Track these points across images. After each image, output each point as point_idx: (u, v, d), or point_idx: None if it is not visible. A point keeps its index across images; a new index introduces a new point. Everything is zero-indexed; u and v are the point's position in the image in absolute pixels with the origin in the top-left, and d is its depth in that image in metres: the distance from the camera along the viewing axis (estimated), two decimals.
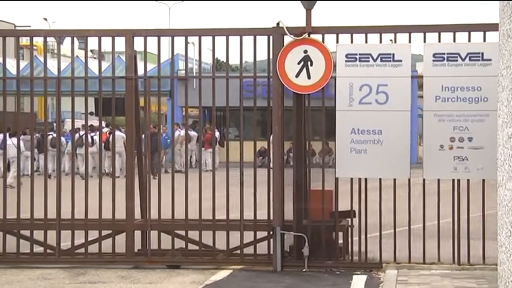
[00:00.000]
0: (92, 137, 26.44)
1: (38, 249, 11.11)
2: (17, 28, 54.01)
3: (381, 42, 10.45)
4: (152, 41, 10.90)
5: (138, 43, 10.87)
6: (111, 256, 10.89)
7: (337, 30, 10.57)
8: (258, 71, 11.01)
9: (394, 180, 10.44)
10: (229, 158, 10.94)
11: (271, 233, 10.58)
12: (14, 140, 25.20)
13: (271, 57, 10.66)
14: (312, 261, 10.44)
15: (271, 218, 10.61)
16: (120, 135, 17.88)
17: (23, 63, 13.01)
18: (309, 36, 10.47)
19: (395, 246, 10.40)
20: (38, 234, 11.04)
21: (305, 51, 10.43)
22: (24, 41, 30.50)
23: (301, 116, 10.58)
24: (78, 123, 26.87)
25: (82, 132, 27.55)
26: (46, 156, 11.37)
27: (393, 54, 10.27)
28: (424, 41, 10.34)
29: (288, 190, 10.56)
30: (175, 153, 13.83)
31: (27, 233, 11.06)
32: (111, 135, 12.09)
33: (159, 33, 11.02)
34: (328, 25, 10.73)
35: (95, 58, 38.26)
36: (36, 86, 11.16)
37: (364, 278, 9.89)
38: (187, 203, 10.69)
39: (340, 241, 10.71)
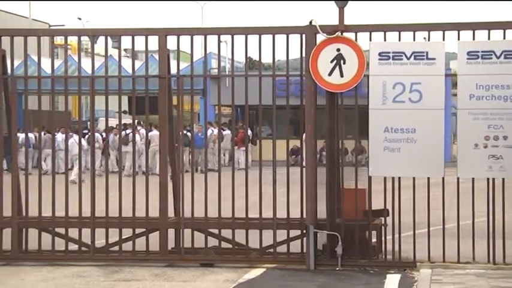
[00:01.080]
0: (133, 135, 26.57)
1: (72, 246, 11.20)
2: (51, 28, 54.41)
3: (414, 40, 10.39)
4: (185, 39, 10.94)
5: (171, 42, 10.93)
6: (144, 254, 10.95)
7: (370, 29, 10.52)
8: (291, 70, 10.99)
9: (428, 179, 10.37)
10: (261, 156, 10.94)
11: (304, 231, 10.57)
12: (76, 137, 25.62)
13: (303, 55, 10.64)
14: (345, 260, 10.41)
15: (304, 216, 10.59)
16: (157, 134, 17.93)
17: (57, 63, 13.11)
18: (341, 34, 10.43)
19: (429, 245, 10.34)
20: (73, 232, 11.13)
21: (338, 50, 10.40)
22: (59, 40, 30.83)
23: (334, 115, 10.54)
24: (112, 121, 27.10)
25: (128, 131, 27.74)
26: (80, 155, 11.42)
27: (427, 53, 10.20)
28: (458, 39, 10.27)
29: (320, 189, 10.54)
30: (208, 152, 13.82)
31: (62, 230, 11.15)
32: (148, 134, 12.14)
33: (191, 32, 11.04)
34: (361, 23, 10.69)
35: (128, 57, 38.47)
36: (70, 85, 11.25)
37: (398, 277, 9.84)
38: (220, 202, 10.71)
39: (374, 240, 10.66)
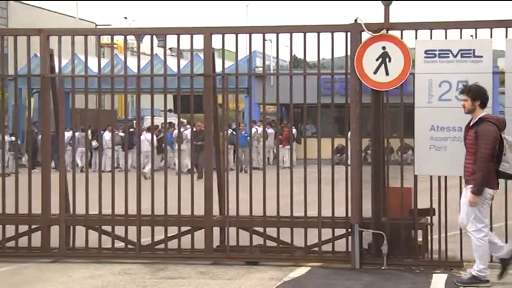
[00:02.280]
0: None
1: (118, 244, 11.29)
2: (97, 27, 54.96)
3: (461, 37, 10.28)
4: (230, 38, 10.96)
5: (216, 41, 10.95)
6: (190, 252, 11.00)
7: (416, 26, 10.44)
8: (336, 68, 10.95)
9: None
10: (306, 155, 10.92)
11: (349, 230, 10.53)
12: (148, 135, 25.97)
13: (349, 53, 10.60)
14: (391, 259, 10.34)
15: (349, 215, 10.55)
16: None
17: (103, 62, 13.22)
18: (387, 32, 10.37)
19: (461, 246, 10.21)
20: (119, 230, 11.21)
21: (383, 48, 10.33)
22: (105, 39, 31.07)
23: (379, 113, 10.48)
24: (157, 120, 27.28)
25: (182, 129, 27.93)
26: (126, 153, 11.51)
27: (474, 50, 10.08)
28: (506, 37, 10.13)
29: (365, 187, 10.49)
30: (253, 150, 13.88)
31: (108, 228, 11.25)
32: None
33: (236, 30, 11.06)
34: (406, 21, 10.61)
35: (173, 56, 38.64)
36: (116, 84, 11.34)
37: (444, 276, 9.75)
38: (265, 200, 10.71)
39: (420, 239, 10.58)
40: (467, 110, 9.16)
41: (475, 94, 9.09)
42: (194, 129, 11.81)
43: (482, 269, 9.06)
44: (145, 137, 26.02)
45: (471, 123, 9.12)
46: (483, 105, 9.14)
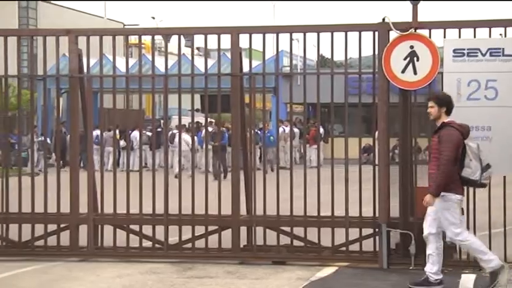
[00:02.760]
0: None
1: (146, 243, 11.32)
2: (125, 27, 55.23)
3: (490, 36, 10.19)
4: (257, 38, 10.95)
5: (243, 40, 10.95)
6: (217, 251, 11.00)
7: (444, 25, 10.36)
8: (363, 67, 10.90)
9: (504, 177, 10.16)
10: (333, 154, 10.88)
11: (376, 230, 10.48)
12: (186, 136, 26.11)
13: (376, 53, 10.54)
14: (419, 259, 10.25)
15: (377, 215, 10.50)
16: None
17: (131, 61, 13.27)
18: (415, 31, 10.31)
19: (505, 245, 10.13)
20: (147, 229, 11.25)
21: (411, 47, 10.27)
22: (133, 39, 31.13)
23: (407, 112, 10.42)
24: (184, 119, 27.30)
25: (211, 129, 27.95)
26: (154, 153, 11.54)
27: (503, 49, 9.99)
28: None
29: (393, 187, 10.43)
30: (280, 150, 13.87)
31: (136, 227, 11.28)
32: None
33: (264, 30, 11.05)
34: (434, 20, 10.54)
35: (201, 55, 38.68)
36: (144, 84, 11.37)
37: (473, 277, 9.67)
38: (292, 199, 10.69)
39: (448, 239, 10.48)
40: (433, 116, 9.22)
41: (442, 101, 9.15)
42: (211, 130, 11.80)
43: (490, 259, 8.95)
44: (184, 137, 26.05)
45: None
46: (448, 112, 9.16)
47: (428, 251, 9.07)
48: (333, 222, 10.80)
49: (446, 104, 9.14)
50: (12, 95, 19.03)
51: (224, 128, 24.73)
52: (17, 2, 53.01)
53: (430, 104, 9.21)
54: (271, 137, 29.21)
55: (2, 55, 11.21)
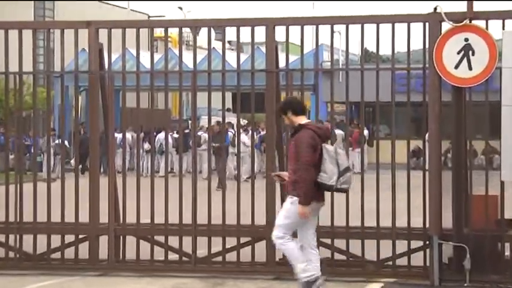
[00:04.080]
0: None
1: (172, 256, 11.35)
2: (150, 19, 55.51)
3: None
4: (295, 30, 10.95)
5: (280, 33, 10.94)
6: (250, 265, 11.00)
7: (503, 15, 10.28)
8: (412, 62, 10.86)
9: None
10: (379, 158, 10.84)
11: (427, 242, 10.42)
12: (245, 137, 26.28)
13: (427, 46, 10.49)
14: (474, 275, 10.18)
15: (427, 226, 10.44)
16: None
17: (157, 56, 13.32)
18: (470, 22, 10.23)
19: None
20: (173, 241, 11.27)
21: (466, 40, 10.20)
22: (158, 32, 31.28)
23: (461, 112, 10.35)
24: (214, 120, 27.35)
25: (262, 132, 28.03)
26: (181, 157, 11.58)
27: None
28: None
29: (445, 195, 10.37)
30: None
31: (161, 238, 11.32)
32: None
33: (302, 21, 11.04)
34: (492, 9, 10.46)
35: (232, 50, 38.77)
36: (170, 81, 11.41)
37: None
38: (332, 208, 10.66)
39: (507, 253, 10.41)
40: (288, 124, 9.54)
41: (281, 109, 9.45)
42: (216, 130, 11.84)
43: (305, 268, 9.15)
44: (243, 138, 26.27)
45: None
46: (297, 112, 9.31)
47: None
48: (378, 233, 10.75)
49: (287, 106, 9.38)
50: (27, 93, 19.29)
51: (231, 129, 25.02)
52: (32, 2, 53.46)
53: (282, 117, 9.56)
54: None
55: (17, 50, 11.31)
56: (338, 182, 9.05)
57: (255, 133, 12.32)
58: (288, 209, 9.16)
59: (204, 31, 11.68)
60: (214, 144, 23.60)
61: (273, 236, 9.32)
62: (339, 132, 31.15)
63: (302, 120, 9.28)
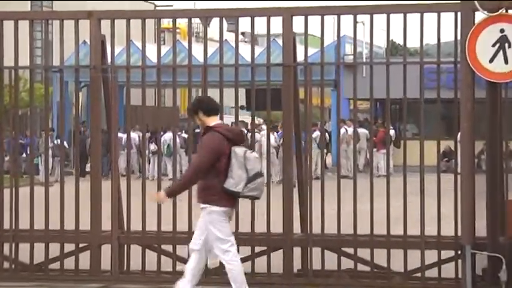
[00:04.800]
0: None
1: (181, 267, 11.35)
2: (157, 8, 55.60)
3: None
4: (314, 20, 10.94)
5: (298, 23, 10.94)
6: (265, 277, 11.02)
7: None
8: (442, 56, 10.85)
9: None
10: (406, 160, 10.83)
11: (459, 252, 10.41)
12: (271, 137, 26.49)
13: (458, 38, 10.48)
14: None
15: (459, 234, 10.43)
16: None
17: (164, 49, 13.35)
18: (506, 11, 10.22)
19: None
20: (182, 250, 11.28)
21: (501, 31, 10.18)
22: (166, 23, 31.29)
23: (496, 110, 10.34)
24: (227, 119, 27.40)
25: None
26: (191, 159, 11.61)
27: None
28: None
29: (479, 200, 10.35)
30: (341, 155, 13.85)
31: (169, 248, 11.34)
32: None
33: (322, 11, 11.04)
34: None
35: (246, 42, 38.77)
36: (179, 76, 11.43)
37: None
38: (356, 215, 10.66)
39: None
40: (200, 125, 9.73)
41: (191, 110, 9.66)
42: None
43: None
44: (275, 139, 26.65)
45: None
46: (208, 113, 9.48)
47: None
48: (405, 242, 10.74)
49: (197, 106, 9.53)
50: (23, 90, 19.33)
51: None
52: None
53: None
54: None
55: (12, 42, 11.35)
56: (246, 188, 9.21)
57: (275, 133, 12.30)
58: (210, 221, 9.28)
59: (215, 22, 11.68)
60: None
61: (218, 255, 9.48)
62: (362, 131, 31.23)
63: (213, 121, 9.43)
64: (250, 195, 9.33)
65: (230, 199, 9.32)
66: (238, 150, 9.29)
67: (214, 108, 9.55)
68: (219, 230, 9.29)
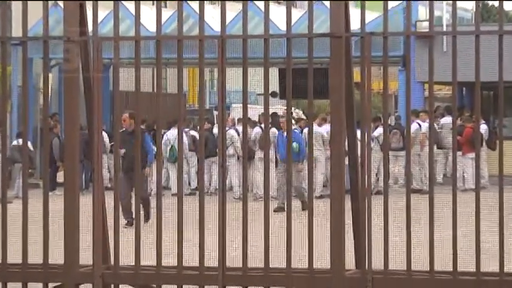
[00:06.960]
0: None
1: None
2: None
3: None
4: None
5: None
6: None
7: None
8: None
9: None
10: (503, 167, 10.83)
11: None
12: (322, 130, 26.58)
13: None
14: None
15: None
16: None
17: (166, 14, 13.42)
18: None
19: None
20: None
21: None
22: None
23: None
24: (252, 110, 27.36)
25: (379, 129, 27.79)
26: (202, 166, 11.68)
27: None
28: None
29: None
30: (412, 161, 13.75)
31: None
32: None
33: None
34: None
35: (280, 4, 38.97)
36: (186, 51, 11.45)
37: None
38: (432, 244, 10.66)
39: None
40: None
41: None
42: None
43: None
44: (320, 130, 26.32)
45: None
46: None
47: None
48: (501, 281, 10.75)
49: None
50: None
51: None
52: None
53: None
54: (295, 144, 27.92)
55: None
56: None
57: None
58: None
59: None
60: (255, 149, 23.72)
61: None
62: (446, 121, 31.05)
63: None
64: None
65: None
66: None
67: None
68: None
